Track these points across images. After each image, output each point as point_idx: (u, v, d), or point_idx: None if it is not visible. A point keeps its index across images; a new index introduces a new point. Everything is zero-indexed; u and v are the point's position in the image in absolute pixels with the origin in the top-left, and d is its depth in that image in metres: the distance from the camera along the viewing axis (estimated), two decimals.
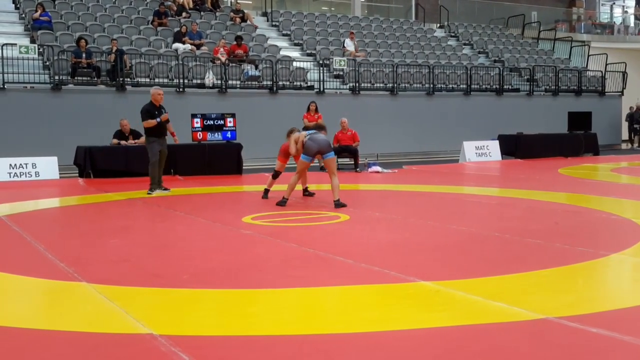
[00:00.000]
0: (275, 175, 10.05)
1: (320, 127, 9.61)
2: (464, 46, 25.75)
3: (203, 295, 4.69)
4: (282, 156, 10.01)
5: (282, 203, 9.10)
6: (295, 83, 19.00)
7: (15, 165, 12.93)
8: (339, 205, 8.85)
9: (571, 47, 27.65)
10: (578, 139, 19.97)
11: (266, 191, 10.05)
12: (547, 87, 23.78)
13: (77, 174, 13.49)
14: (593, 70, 25.93)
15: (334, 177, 9.01)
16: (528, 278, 5.04)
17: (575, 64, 27.15)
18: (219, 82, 17.61)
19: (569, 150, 19.41)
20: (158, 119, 10.69)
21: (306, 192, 10.24)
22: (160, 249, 6.42)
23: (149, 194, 10.82)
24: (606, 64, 25.42)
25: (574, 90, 24.17)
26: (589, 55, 27.19)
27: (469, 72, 21.79)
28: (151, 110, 10.75)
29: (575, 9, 34.56)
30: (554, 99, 23.46)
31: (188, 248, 6.53)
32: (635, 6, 35.22)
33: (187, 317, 4.17)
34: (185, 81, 17.23)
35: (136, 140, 13.63)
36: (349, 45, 21.62)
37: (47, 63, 16.34)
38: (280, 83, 18.58)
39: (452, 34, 26.62)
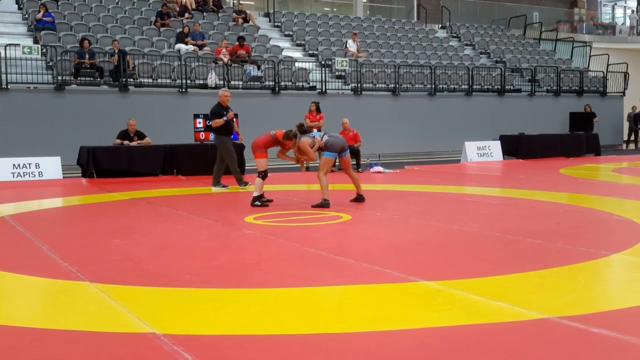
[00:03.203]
0: (265, 176, 9.28)
1: (305, 131, 9.47)
2: (465, 47, 25.77)
3: (205, 295, 4.71)
4: (262, 152, 9.29)
5: (325, 205, 8.85)
6: (297, 83, 19.03)
7: (18, 165, 12.96)
8: (362, 199, 9.42)
9: (573, 48, 27.65)
10: (579, 140, 19.98)
11: (261, 197, 9.27)
12: (549, 88, 23.79)
13: (80, 174, 13.53)
14: (595, 71, 25.93)
15: (354, 173, 9.54)
16: (529, 278, 5.05)
17: (577, 65, 27.16)
18: (222, 82, 17.64)
19: (570, 150, 19.42)
20: (225, 117, 11.13)
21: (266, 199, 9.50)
22: (163, 249, 6.44)
23: (244, 187, 11.36)
24: (608, 65, 25.42)
25: (576, 90, 24.18)
26: (590, 56, 27.20)
27: (470, 72, 21.80)
28: (219, 111, 11.28)
29: (576, 9, 34.56)
30: (555, 99, 23.47)
31: (191, 248, 6.55)
32: (638, 6, 35.18)
33: (190, 317, 4.19)
34: (188, 82, 17.27)
35: (140, 141, 13.66)
36: (351, 45, 21.64)
37: (50, 63, 16.39)
38: (283, 83, 18.61)
39: (454, 35, 26.63)
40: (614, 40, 32.65)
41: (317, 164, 9.45)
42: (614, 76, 25.36)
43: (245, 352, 3.56)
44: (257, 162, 9.32)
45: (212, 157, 14.02)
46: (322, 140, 9.14)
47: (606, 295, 4.81)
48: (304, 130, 9.41)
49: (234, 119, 11.52)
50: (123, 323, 4.07)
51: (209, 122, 12.81)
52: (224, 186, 11.51)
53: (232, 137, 11.68)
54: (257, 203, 9.17)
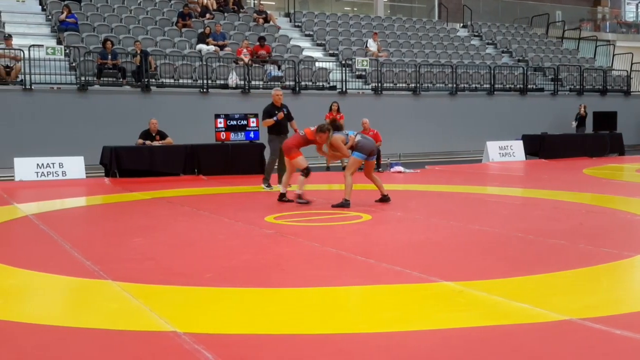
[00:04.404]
0: (307, 172, 9.37)
1: (338, 127, 9.50)
2: (487, 46, 25.59)
3: (226, 294, 4.73)
4: (296, 152, 9.42)
5: (346, 204, 8.82)
6: (317, 83, 19.04)
7: (42, 164, 13.11)
8: (388, 199, 9.35)
9: (596, 47, 27.35)
10: (603, 139, 19.75)
11: (299, 196, 9.38)
12: (572, 87, 23.54)
13: (103, 174, 13.66)
14: (618, 70, 25.61)
15: (375, 175, 9.55)
16: (551, 279, 5.01)
17: (600, 64, 26.84)
18: (242, 82, 17.70)
19: (594, 150, 19.20)
20: (275, 118, 11.22)
21: (285, 198, 9.63)
22: (184, 248, 6.48)
23: (266, 188, 11.39)
24: (632, 64, 25.09)
25: (599, 90, 23.90)
26: (614, 55, 26.87)
27: (492, 71, 21.65)
28: (271, 110, 11.39)
29: (600, 8, 34.18)
30: (578, 98, 23.21)
31: (211, 247, 6.59)
32: None
33: (211, 316, 4.21)
34: (209, 82, 17.35)
35: (162, 141, 13.76)
36: (372, 45, 21.60)
37: (74, 64, 16.56)
38: (303, 83, 18.63)
39: (476, 34, 26.46)
40: (638, 38, 32.22)
41: (339, 164, 9.47)
42: (638, 75, 25.02)
43: (265, 351, 3.57)
44: (295, 162, 9.49)
45: (232, 157, 14.15)
46: (355, 139, 9.11)
47: (629, 297, 4.75)
48: (336, 126, 9.42)
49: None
50: (144, 321, 4.11)
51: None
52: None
53: (284, 136, 11.37)
54: (301, 200, 9.31)
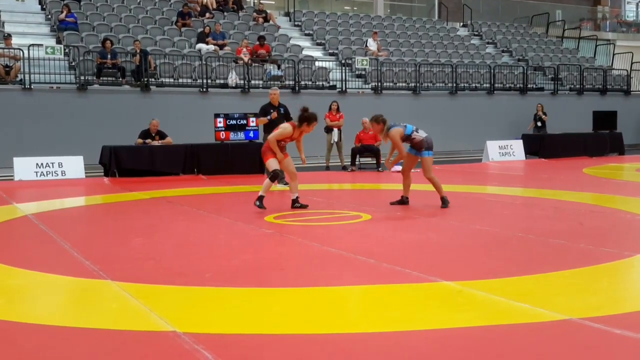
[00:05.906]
0: (273, 177, 8.74)
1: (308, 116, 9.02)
2: (487, 45, 25.60)
3: (226, 294, 4.72)
4: (271, 154, 8.80)
5: (447, 201, 8.72)
6: (317, 83, 19.04)
7: (41, 164, 13.10)
8: (406, 201, 8.93)
9: (596, 46, 27.36)
10: (603, 139, 19.75)
11: (261, 198, 8.62)
12: (572, 86, 23.55)
13: (103, 173, 13.65)
14: (618, 69, 25.62)
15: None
16: (552, 279, 5.00)
17: (600, 63, 26.86)
18: (242, 82, 17.70)
19: (593, 149, 19.20)
20: (268, 117, 11.40)
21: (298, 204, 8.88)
22: (184, 248, 6.47)
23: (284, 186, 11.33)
24: (632, 63, 25.10)
25: (599, 89, 23.91)
26: (614, 54, 26.87)
27: (492, 71, 21.66)
28: (267, 109, 11.59)
29: (600, 7, 34.20)
30: (578, 98, 23.22)
31: (211, 247, 6.58)
32: None
33: (211, 315, 4.21)
34: (209, 81, 17.35)
35: (161, 141, 13.75)
36: (371, 44, 21.60)
37: (73, 63, 16.56)
38: (303, 83, 18.63)
39: (476, 33, 26.47)
40: (638, 38, 32.23)
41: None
42: (638, 74, 25.03)
43: (265, 351, 3.56)
44: (267, 164, 8.94)
45: (232, 156, 14.14)
46: (422, 137, 8.77)
47: (630, 297, 4.74)
48: (307, 116, 8.99)
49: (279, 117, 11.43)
50: (144, 321, 4.10)
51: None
52: (285, 183, 11.22)
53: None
54: (259, 204, 8.62)
